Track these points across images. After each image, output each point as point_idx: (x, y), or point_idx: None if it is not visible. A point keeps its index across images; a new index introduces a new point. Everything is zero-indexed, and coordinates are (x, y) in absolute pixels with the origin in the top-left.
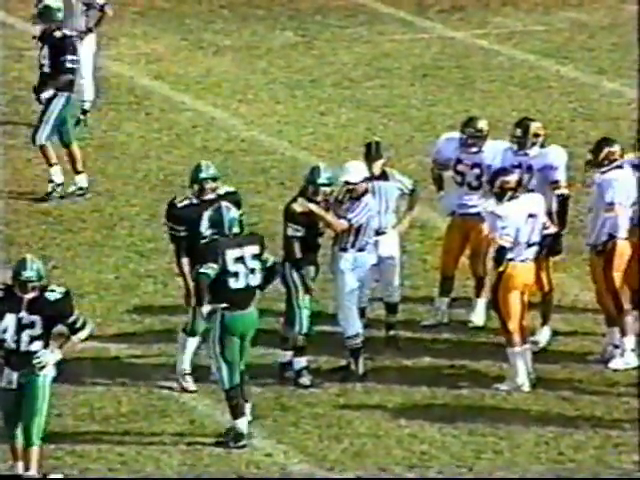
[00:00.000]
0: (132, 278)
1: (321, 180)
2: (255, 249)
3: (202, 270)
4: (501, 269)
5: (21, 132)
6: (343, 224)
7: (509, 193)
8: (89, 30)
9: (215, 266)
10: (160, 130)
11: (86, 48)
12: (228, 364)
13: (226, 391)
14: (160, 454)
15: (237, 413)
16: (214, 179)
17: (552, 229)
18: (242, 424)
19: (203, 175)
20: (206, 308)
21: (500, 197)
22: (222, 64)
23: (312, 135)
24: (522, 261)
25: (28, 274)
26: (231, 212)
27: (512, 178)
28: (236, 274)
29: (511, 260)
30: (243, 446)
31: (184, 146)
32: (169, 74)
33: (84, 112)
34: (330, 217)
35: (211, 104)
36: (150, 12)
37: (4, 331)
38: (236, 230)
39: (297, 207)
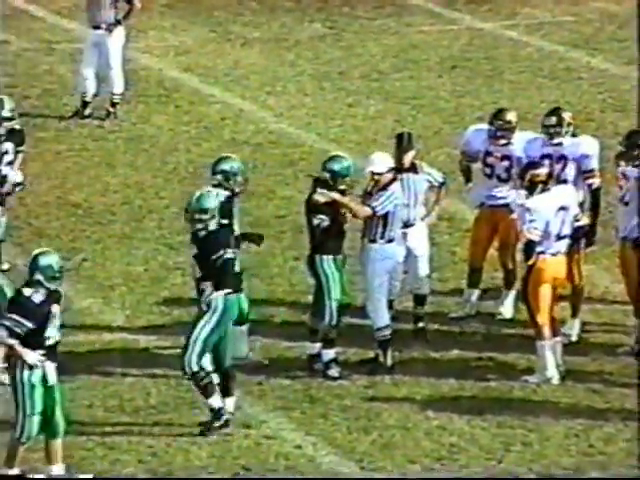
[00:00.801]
0: (161, 270)
1: (341, 169)
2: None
3: (229, 256)
4: (531, 262)
5: (51, 125)
6: (367, 211)
7: (540, 186)
8: (118, 22)
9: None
10: (189, 123)
11: (115, 40)
12: (204, 347)
13: (194, 373)
14: (190, 445)
15: (207, 392)
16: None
17: (584, 221)
18: (215, 401)
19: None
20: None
21: (531, 190)
22: (250, 56)
23: (340, 127)
24: (553, 254)
25: None
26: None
27: (542, 171)
28: (236, 259)
29: (542, 253)
30: (227, 422)
31: (213, 138)
32: (198, 66)
33: (113, 104)
34: (354, 204)
35: (239, 96)
36: (178, 4)
37: None
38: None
39: (319, 197)
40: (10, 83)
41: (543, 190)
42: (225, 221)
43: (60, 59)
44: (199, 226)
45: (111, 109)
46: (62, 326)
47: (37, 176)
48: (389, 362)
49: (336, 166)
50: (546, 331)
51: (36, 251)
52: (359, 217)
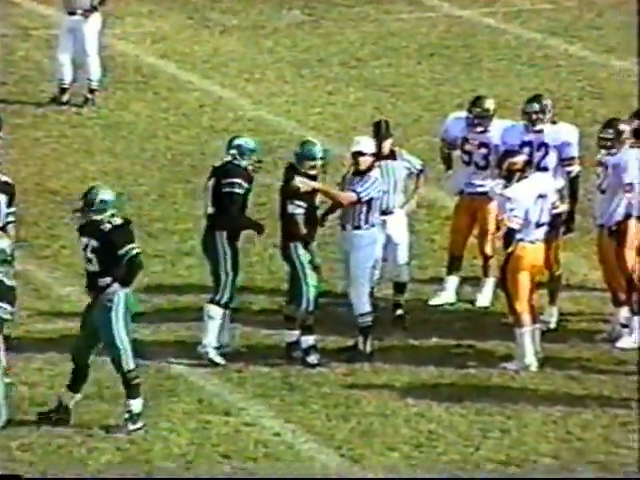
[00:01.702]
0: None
1: (314, 154)
2: None
3: (137, 251)
4: (510, 250)
5: (29, 112)
6: (351, 196)
7: (517, 174)
8: (94, 8)
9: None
10: (167, 110)
11: (91, 26)
12: (131, 344)
13: (129, 371)
14: (169, 433)
15: (135, 393)
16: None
17: (561, 208)
18: (138, 404)
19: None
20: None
21: (508, 179)
22: (229, 43)
23: (320, 115)
24: (531, 242)
25: None
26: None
27: (519, 159)
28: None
29: (520, 241)
30: (142, 427)
31: (192, 126)
32: (175, 53)
33: (91, 91)
34: (336, 192)
35: (218, 83)
36: None
37: None
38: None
39: (300, 185)
40: None
41: (520, 178)
42: (247, 186)
43: (36, 45)
44: (98, 217)
45: (89, 95)
46: (39, 314)
47: (15, 163)
48: (368, 349)
49: (311, 151)
50: (525, 318)
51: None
52: (343, 204)
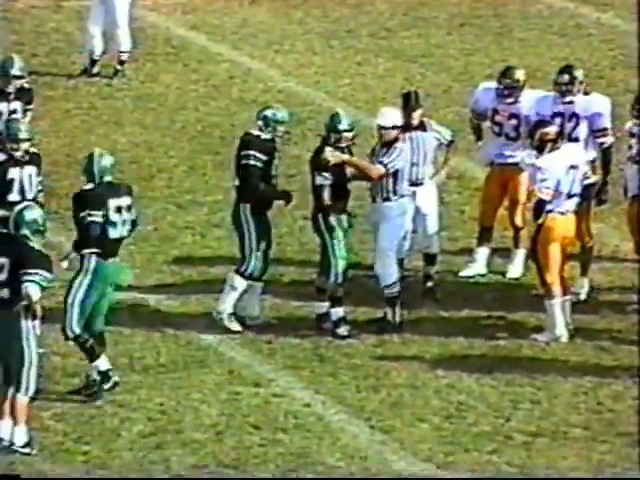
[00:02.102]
0: (170, 230)
1: (343, 126)
2: (129, 200)
3: (93, 219)
4: (540, 221)
5: (59, 83)
6: (380, 169)
7: (549, 145)
8: None
9: (100, 214)
10: (197, 81)
11: None
12: (82, 312)
13: (76, 337)
14: (199, 404)
15: (92, 355)
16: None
17: (593, 179)
18: (102, 363)
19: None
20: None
21: (540, 149)
22: (258, 14)
23: (349, 86)
24: (562, 213)
25: None
26: (103, 160)
27: (552, 129)
28: (114, 223)
29: (550, 212)
30: (116, 384)
31: (221, 97)
32: (205, 25)
33: (121, 63)
34: (365, 164)
35: (247, 55)
36: None
37: None
38: (109, 179)
39: (330, 157)
40: (18, 41)
41: (552, 149)
42: (265, 158)
43: (67, 17)
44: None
45: (119, 67)
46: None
47: (46, 134)
48: (397, 319)
49: (339, 124)
50: (555, 290)
51: (20, 206)
52: (372, 177)
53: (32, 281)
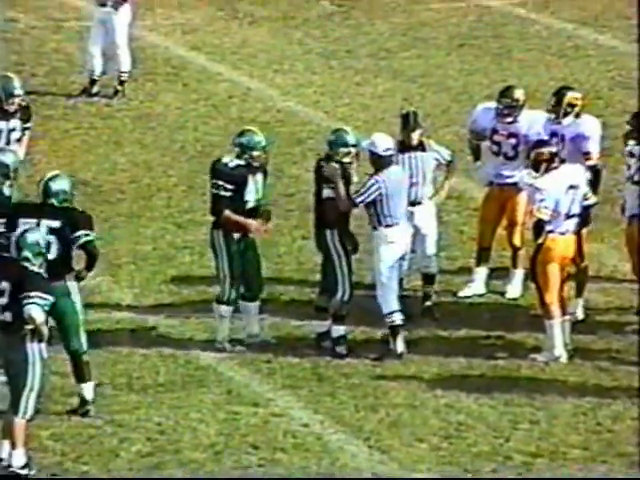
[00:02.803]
0: (169, 249)
1: (352, 141)
2: (55, 224)
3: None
4: (540, 241)
5: (59, 103)
6: (348, 205)
7: (544, 164)
8: (124, 0)
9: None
10: (197, 101)
11: (121, 18)
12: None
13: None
14: (198, 424)
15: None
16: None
17: (592, 200)
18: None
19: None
20: None
21: (536, 168)
22: (258, 34)
23: (348, 106)
24: (562, 233)
25: None
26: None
27: (545, 149)
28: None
29: (550, 232)
30: (86, 412)
31: (221, 117)
32: (205, 45)
33: (121, 82)
34: (342, 194)
35: (247, 75)
36: None
37: None
38: (53, 201)
39: (330, 172)
40: (18, 61)
41: (548, 168)
42: (232, 187)
43: (68, 37)
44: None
45: (119, 87)
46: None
47: (45, 154)
48: (399, 349)
49: (345, 139)
50: (554, 310)
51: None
52: (340, 208)
53: (34, 303)
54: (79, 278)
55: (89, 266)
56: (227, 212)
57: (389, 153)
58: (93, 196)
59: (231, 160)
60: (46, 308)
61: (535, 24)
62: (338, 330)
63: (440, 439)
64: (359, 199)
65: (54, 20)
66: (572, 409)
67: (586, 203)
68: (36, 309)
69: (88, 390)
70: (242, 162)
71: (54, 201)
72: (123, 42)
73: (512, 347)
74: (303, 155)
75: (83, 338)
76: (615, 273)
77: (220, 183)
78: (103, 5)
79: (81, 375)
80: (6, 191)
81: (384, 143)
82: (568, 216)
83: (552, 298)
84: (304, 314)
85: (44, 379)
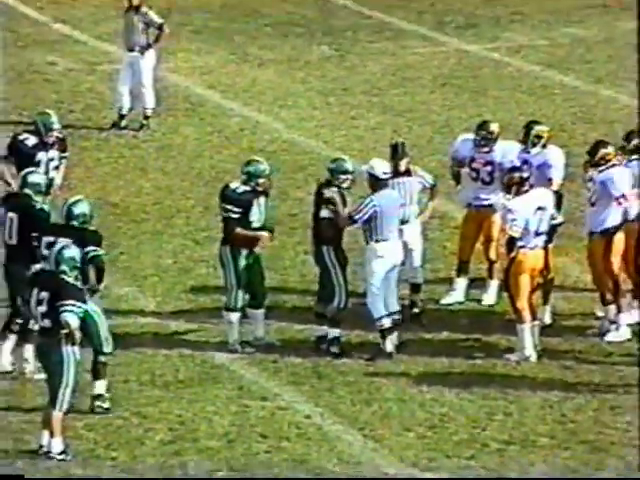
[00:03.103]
0: (188, 263)
1: (350, 168)
2: (66, 241)
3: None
4: (512, 255)
5: (93, 136)
6: (346, 221)
7: (514, 187)
8: (149, 46)
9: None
10: (212, 133)
11: (147, 61)
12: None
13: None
14: (213, 415)
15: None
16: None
17: (559, 219)
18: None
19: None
20: None
21: (507, 190)
22: (266, 75)
23: (344, 137)
24: (531, 248)
25: None
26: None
27: (516, 174)
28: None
29: (522, 247)
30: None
31: (233, 147)
32: (220, 84)
33: (146, 117)
34: (341, 212)
35: (256, 110)
36: (204, 30)
37: None
38: (74, 223)
39: (330, 195)
40: (57, 99)
41: (518, 191)
42: (240, 210)
43: (100, 78)
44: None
45: (144, 121)
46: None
47: (80, 180)
48: (389, 349)
49: (343, 167)
50: (525, 315)
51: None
52: (339, 225)
53: (70, 311)
54: (92, 291)
55: (98, 279)
56: (238, 229)
57: (386, 176)
58: (121, 216)
59: (238, 186)
60: (80, 315)
61: (508, 66)
62: (333, 332)
63: (425, 429)
64: (357, 216)
65: (88, 63)
66: (540, 402)
67: (553, 222)
68: (72, 316)
69: (100, 387)
70: (248, 188)
71: (75, 223)
72: (148, 82)
73: (488, 348)
74: (305, 180)
75: (104, 340)
76: (578, 283)
77: (230, 207)
78: (131, 50)
79: (95, 372)
80: (45, 208)
81: (382, 167)
82: (537, 233)
83: (523, 305)
84: (306, 319)
85: (78, 377)
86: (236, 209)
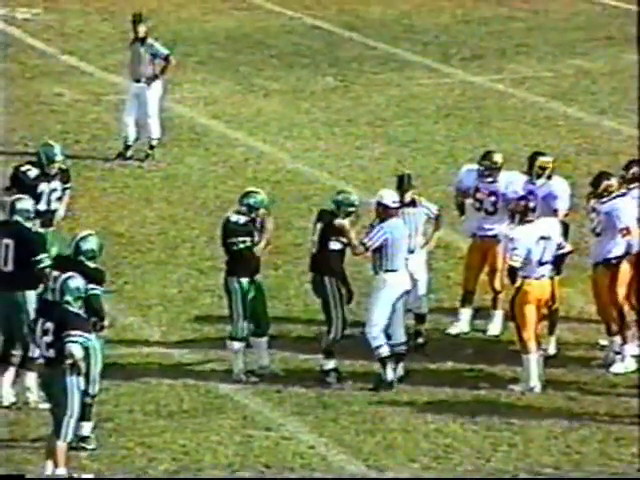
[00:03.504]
0: (193, 292)
1: (353, 201)
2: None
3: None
4: (518, 285)
5: (97, 166)
6: (360, 249)
7: (518, 215)
8: (156, 77)
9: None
10: (217, 163)
11: (153, 92)
12: None
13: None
14: (217, 445)
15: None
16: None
17: (567, 248)
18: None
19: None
20: None
21: (512, 218)
22: (271, 105)
23: (349, 167)
24: (537, 278)
25: None
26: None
27: (521, 203)
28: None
29: (527, 277)
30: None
31: (237, 177)
32: (225, 114)
33: (151, 147)
34: (354, 240)
35: (261, 140)
36: (209, 61)
37: None
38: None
39: (340, 223)
40: (63, 129)
41: (522, 219)
42: (249, 239)
43: (106, 109)
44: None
45: (149, 152)
46: (107, 341)
47: (85, 209)
48: (389, 377)
49: (348, 200)
50: (531, 346)
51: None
52: (353, 252)
53: (74, 342)
54: (99, 327)
55: (96, 316)
56: (255, 249)
57: (395, 205)
58: (126, 246)
59: (239, 218)
60: (85, 345)
61: (512, 97)
62: (329, 364)
63: (430, 459)
64: (369, 243)
65: (94, 94)
66: (545, 433)
67: (561, 252)
68: (76, 347)
69: (86, 429)
70: (248, 218)
71: (83, 258)
72: (154, 113)
73: (493, 379)
74: (309, 210)
75: (92, 381)
76: (582, 314)
77: (241, 239)
78: (138, 81)
79: (82, 413)
80: (41, 231)
81: (392, 197)
82: (540, 263)
83: (529, 335)
84: (310, 349)
85: (81, 407)
86: (247, 238)
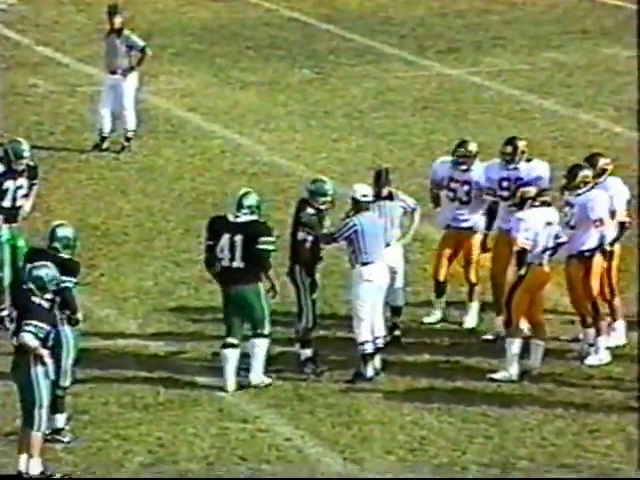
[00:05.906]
0: (169, 284)
1: (327, 190)
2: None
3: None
4: (522, 272)
5: (73, 157)
6: (327, 240)
7: (529, 202)
8: (132, 69)
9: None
10: (193, 155)
11: (129, 84)
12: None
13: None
14: (193, 438)
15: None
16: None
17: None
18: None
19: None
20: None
21: (521, 206)
22: (247, 98)
23: (326, 159)
24: (540, 264)
25: None
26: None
27: (532, 189)
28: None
29: (531, 264)
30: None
31: (214, 169)
32: (201, 106)
33: (127, 139)
34: (321, 234)
35: (237, 132)
36: (185, 53)
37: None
38: (57, 245)
39: (306, 218)
40: (38, 121)
41: (532, 206)
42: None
43: (81, 100)
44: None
45: (125, 143)
46: (83, 334)
47: (60, 201)
48: (369, 374)
49: (322, 189)
50: (517, 331)
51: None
52: (321, 243)
53: (28, 331)
54: (74, 321)
55: (67, 309)
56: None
57: (366, 199)
58: (102, 238)
59: (237, 216)
60: (40, 335)
61: (488, 90)
62: (306, 353)
63: (406, 452)
64: (337, 235)
65: (70, 85)
66: (521, 425)
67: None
68: (29, 336)
69: (60, 420)
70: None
71: (58, 245)
72: (130, 105)
73: (468, 370)
74: (286, 202)
75: (63, 373)
76: (557, 306)
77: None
78: (114, 73)
79: (53, 405)
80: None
81: (362, 190)
82: (545, 249)
83: (518, 320)
84: (286, 342)
85: (52, 398)
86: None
